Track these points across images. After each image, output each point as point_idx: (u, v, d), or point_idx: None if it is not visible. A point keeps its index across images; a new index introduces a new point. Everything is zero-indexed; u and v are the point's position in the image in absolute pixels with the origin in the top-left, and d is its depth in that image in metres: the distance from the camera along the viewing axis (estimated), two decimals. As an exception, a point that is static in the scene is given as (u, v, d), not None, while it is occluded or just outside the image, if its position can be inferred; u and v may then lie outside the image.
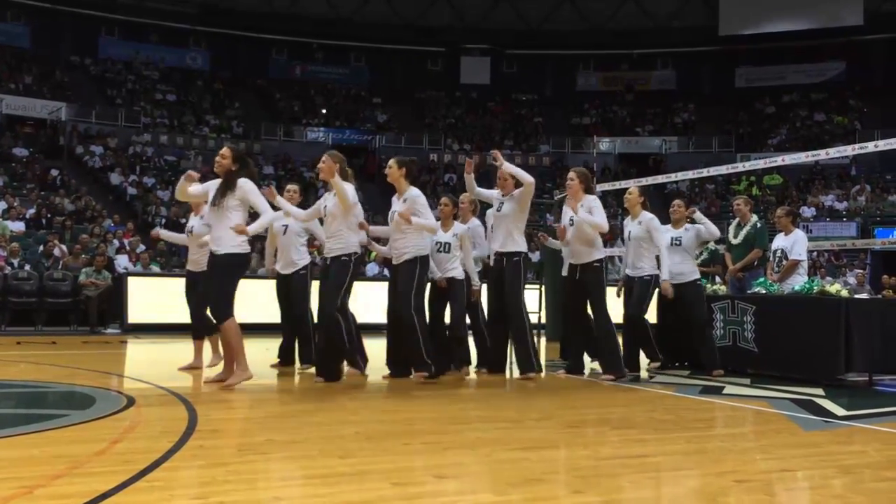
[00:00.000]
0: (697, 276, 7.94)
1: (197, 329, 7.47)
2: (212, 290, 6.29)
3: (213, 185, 6.44)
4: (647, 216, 7.61)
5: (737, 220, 9.11)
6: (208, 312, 6.53)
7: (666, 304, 7.92)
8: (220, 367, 6.85)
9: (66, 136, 26.80)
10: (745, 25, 34.84)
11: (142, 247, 16.44)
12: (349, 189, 6.52)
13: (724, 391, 6.68)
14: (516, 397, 6.31)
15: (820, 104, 34.49)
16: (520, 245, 7.32)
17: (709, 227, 7.97)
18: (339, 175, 6.45)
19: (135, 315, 13.31)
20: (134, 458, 3.69)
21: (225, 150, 6.41)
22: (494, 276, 7.39)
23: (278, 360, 7.87)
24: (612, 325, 7.27)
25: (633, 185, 8.11)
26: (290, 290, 7.69)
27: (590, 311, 7.40)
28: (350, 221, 6.61)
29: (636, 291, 7.59)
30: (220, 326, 6.26)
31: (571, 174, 7.45)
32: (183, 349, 10.75)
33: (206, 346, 7.68)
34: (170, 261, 17.01)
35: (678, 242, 7.84)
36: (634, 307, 7.61)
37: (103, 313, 13.59)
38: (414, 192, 6.89)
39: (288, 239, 7.68)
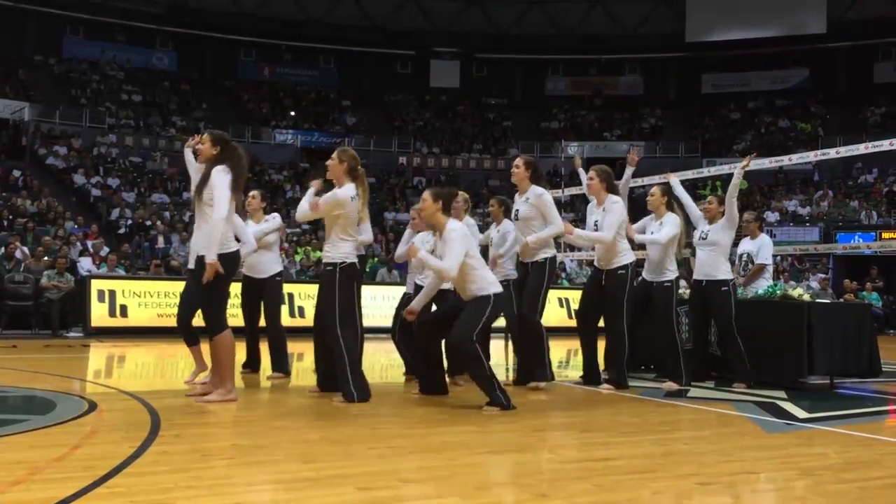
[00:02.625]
0: (721, 276, 7.30)
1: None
2: (200, 299, 5.73)
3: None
4: (673, 217, 7.15)
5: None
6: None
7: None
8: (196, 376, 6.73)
9: (28, 136, 26.39)
10: (711, 32, 35.27)
11: (105, 249, 16.24)
12: (340, 194, 5.93)
13: (689, 394, 6.74)
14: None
15: (784, 111, 35.01)
16: (546, 249, 6.86)
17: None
18: (347, 176, 5.97)
19: (98, 318, 13.14)
20: (95, 464, 3.64)
21: (205, 135, 5.81)
22: (520, 283, 6.96)
23: (245, 366, 7.74)
24: (625, 335, 6.87)
25: (655, 187, 7.51)
26: (263, 296, 7.61)
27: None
28: (345, 227, 5.95)
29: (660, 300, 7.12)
30: (212, 340, 5.68)
31: (591, 172, 7.08)
32: (146, 353, 10.64)
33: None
34: (134, 263, 16.83)
35: (704, 237, 7.42)
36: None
37: (65, 316, 13.39)
38: (452, 224, 5.92)
39: (261, 244, 7.60)
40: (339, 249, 5.94)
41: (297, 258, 18.17)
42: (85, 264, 15.21)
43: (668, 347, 7.15)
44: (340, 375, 5.88)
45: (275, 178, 29.40)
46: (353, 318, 6.02)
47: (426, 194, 6.07)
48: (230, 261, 5.68)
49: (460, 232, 5.84)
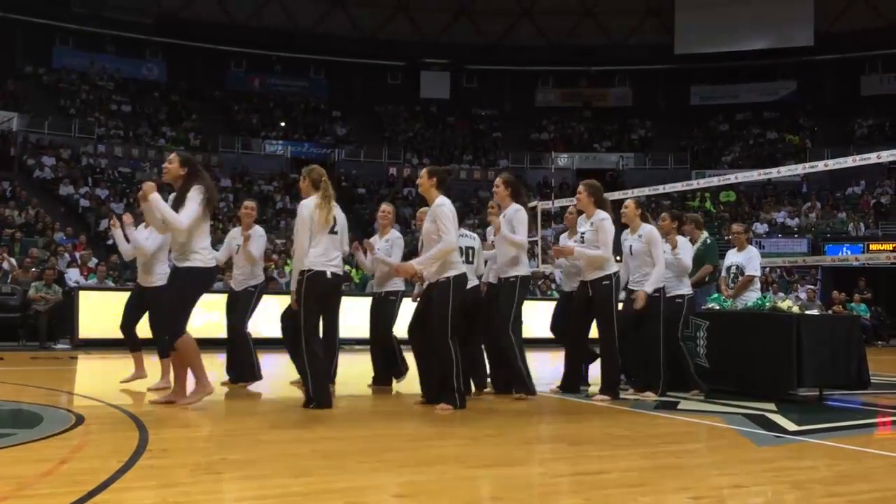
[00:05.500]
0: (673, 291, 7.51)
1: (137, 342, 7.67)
2: (167, 305, 6.10)
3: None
4: (647, 228, 7.34)
5: (688, 237, 9.21)
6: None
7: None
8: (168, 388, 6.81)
9: (17, 146, 26.28)
10: (699, 44, 35.48)
11: (94, 260, 16.16)
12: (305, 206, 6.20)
13: (679, 406, 6.74)
14: (472, 415, 6.29)
15: (772, 123, 35.22)
16: (517, 267, 7.08)
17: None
18: (310, 190, 6.23)
19: (86, 330, 13.05)
20: (82, 479, 3.60)
21: (172, 156, 6.20)
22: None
23: (228, 378, 7.83)
24: (616, 344, 7.00)
25: (629, 199, 7.74)
26: (236, 304, 7.78)
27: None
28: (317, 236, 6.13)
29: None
30: (175, 344, 6.01)
31: (581, 187, 7.28)
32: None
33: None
34: (123, 274, 16.75)
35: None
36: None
37: (53, 328, 13.31)
38: (440, 200, 6.33)
39: (241, 257, 7.75)
40: (308, 257, 6.11)
41: (287, 269, 18.13)
42: (73, 275, 15.13)
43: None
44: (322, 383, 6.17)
45: (264, 188, 29.36)
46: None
47: (423, 171, 6.47)
48: (209, 273, 6.09)
49: (448, 206, 6.24)
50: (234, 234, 8.01)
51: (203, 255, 5.99)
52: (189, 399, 6.08)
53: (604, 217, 7.03)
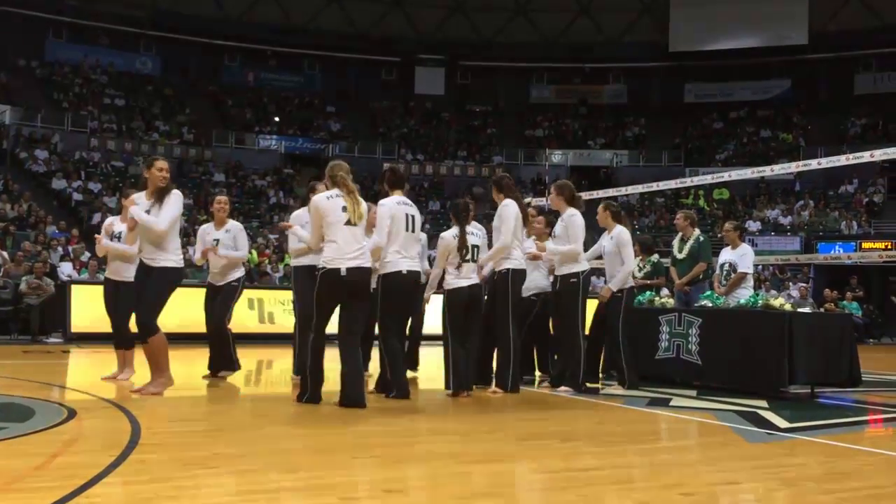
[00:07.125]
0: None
1: (119, 339, 7.65)
2: (141, 303, 6.32)
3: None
4: (619, 229, 7.61)
5: (680, 234, 9.26)
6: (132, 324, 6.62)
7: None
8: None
9: (9, 139, 26.17)
10: (694, 42, 35.50)
11: (87, 254, 16.12)
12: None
13: (671, 403, 6.75)
14: (466, 410, 6.30)
15: (766, 121, 35.26)
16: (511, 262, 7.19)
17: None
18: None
19: (78, 324, 13.01)
20: (74, 473, 3.59)
21: (165, 163, 6.48)
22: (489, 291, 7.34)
23: (209, 371, 7.84)
24: (580, 339, 7.13)
25: (601, 205, 7.96)
26: (217, 297, 7.80)
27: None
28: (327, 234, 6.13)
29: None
30: (148, 340, 6.27)
31: (552, 187, 7.52)
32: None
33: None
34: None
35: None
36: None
37: (45, 322, 13.27)
38: (382, 201, 6.62)
39: (218, 257, 7.77)
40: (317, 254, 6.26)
41: (282, 265, 18.12)
42: (66, 269, 15.09)
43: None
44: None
45: (258, 183, 29.31)
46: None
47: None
48: (181, 273, 6.47)
49: (387, 207, 6.45)
50: (208, 230, 7.94)
51: (175, 256, 6.33)
52: (152, 389, 6.32)
53: (572, 213, 7.20)
